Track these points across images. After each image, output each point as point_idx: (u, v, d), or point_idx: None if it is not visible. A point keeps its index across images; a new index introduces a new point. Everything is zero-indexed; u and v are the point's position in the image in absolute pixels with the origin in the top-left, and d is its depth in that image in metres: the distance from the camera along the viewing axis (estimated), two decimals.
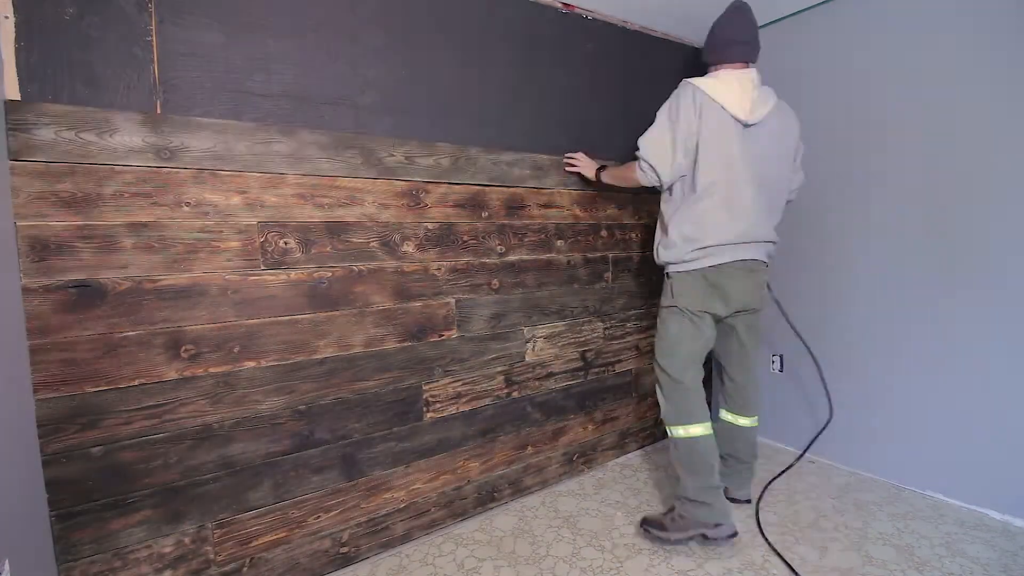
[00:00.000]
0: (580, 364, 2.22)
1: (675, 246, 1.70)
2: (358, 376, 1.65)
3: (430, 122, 1.76)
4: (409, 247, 1.72)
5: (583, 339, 2.22)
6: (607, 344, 2.31)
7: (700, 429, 1.70)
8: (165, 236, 1.33)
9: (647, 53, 2.39)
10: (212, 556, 1.44)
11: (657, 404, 2.50)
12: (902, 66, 1.97)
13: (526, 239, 2.01)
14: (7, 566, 0.94)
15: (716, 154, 1.63)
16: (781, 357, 2.45)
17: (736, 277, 1.69)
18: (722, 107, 1.61)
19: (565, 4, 2.08)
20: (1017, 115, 1.71)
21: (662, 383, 1.79)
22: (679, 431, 1.72)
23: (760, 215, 1.69)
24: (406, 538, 1.78)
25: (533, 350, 2.06)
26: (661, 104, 1.72)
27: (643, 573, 1.61)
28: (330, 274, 1.58)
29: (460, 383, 1.87)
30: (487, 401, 1.95)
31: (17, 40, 1.16)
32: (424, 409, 1.79)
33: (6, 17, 1.14)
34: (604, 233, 2.26)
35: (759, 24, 1.80)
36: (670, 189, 1.76)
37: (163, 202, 1.33)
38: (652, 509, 1.96)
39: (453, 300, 1.83)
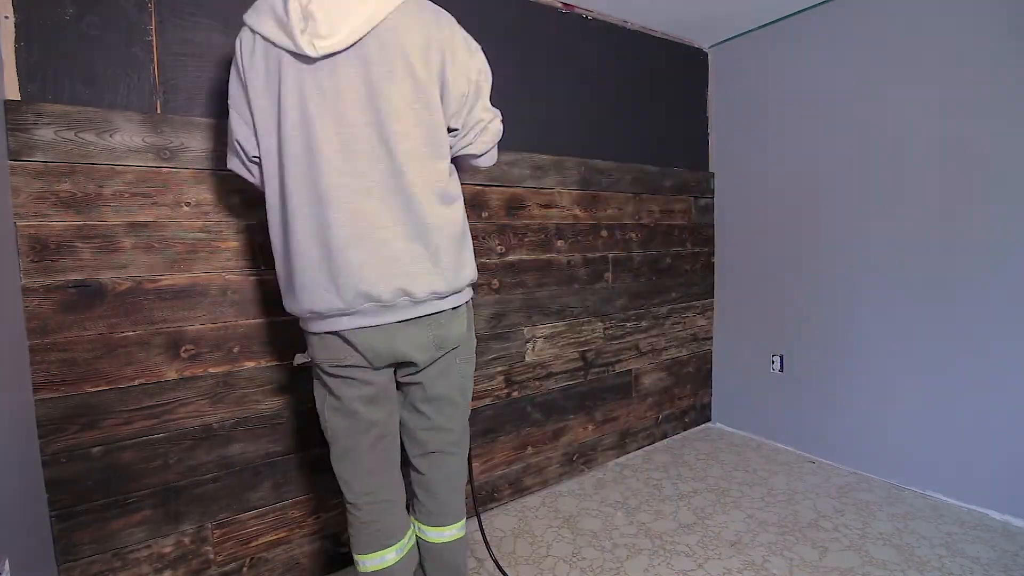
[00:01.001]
0: (580, 364, 2.22)
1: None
2: None
3: None
4: None
5: (583, 339, 2.22)
6: (607, 344, 2.31)
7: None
8: (165, 236, 1.33)
9: (647, 53, 2.39)
10: (212, 556, 1.44)
11: (657, 404, 2.50)
12: (901, 65, 1.97)
13: (526, 239, 2.01)
14: (7, 566, 0.93)
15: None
16: (781, 357, 2.45)
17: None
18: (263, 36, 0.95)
19: (565, 4, 2.08)
20: (1017, 115, 1.71)
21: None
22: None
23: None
24: None
25: (533, 350, 2.06)
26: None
27: (643, 573, 1.61)
28: None
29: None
30: (487, 401, 1.95)
31: (17, 40, 1.16)
32: None
33: (6, 17, 1.14)
34: (604, 233, 2.26)
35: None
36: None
37: (163, 202, 1.33)
38: (651, 509, 1.96)
39: None
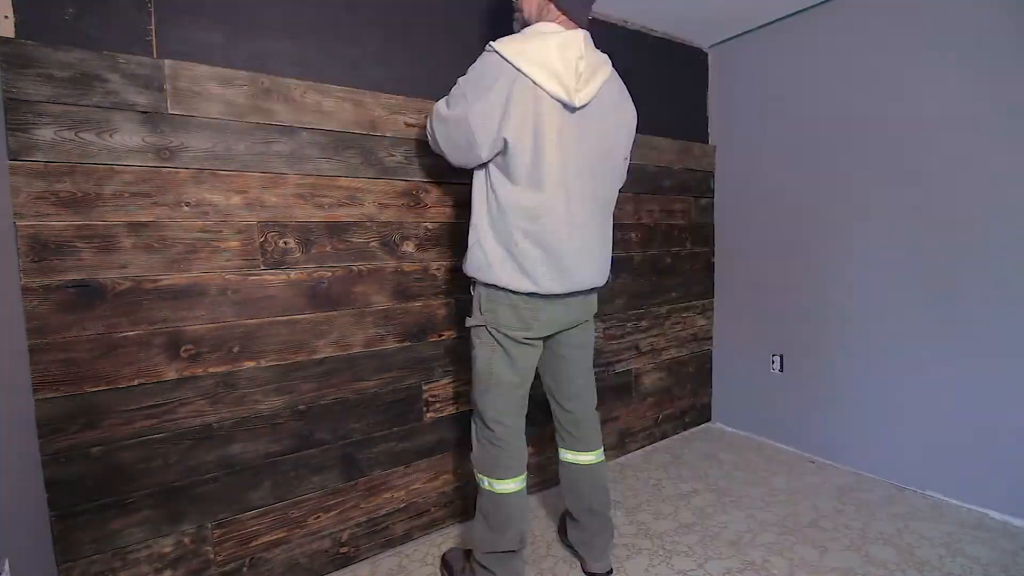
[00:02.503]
0: None
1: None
2: (358, 376, 1.65)
3: None
4: (409, 247, 1.72)
5: None
6: (607, 344, 2.31)
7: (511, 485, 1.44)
8: (165, 236, 1.33)
9: (647, 53, 2.38)
10: (212, 556, 1.44)
11: (657, 404, 2.50)
12: (901, 65, 1.97)
13: None
14: (7, 566, 0.94)
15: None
16: (781, 357, 2.45)
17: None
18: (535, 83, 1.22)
19: None
20: (1020, 115, 1.71)
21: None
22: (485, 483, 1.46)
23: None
24: (406, 538, 1.78)
25: None
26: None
27: (643, 573, 1.61)
28: (330, 274, 1.58)
29: (460, 383, 1.86)
30: None
31: (17, 39, 1.16)
32: (424, 409, 1.79)
33: (6, 17, 1.14)
34: None
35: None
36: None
37: (163, 202, 1.33)
38: (651, 509, 1.96)
39: (453, 300, 1.83)
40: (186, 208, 1.36)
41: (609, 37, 2.23)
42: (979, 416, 1.85)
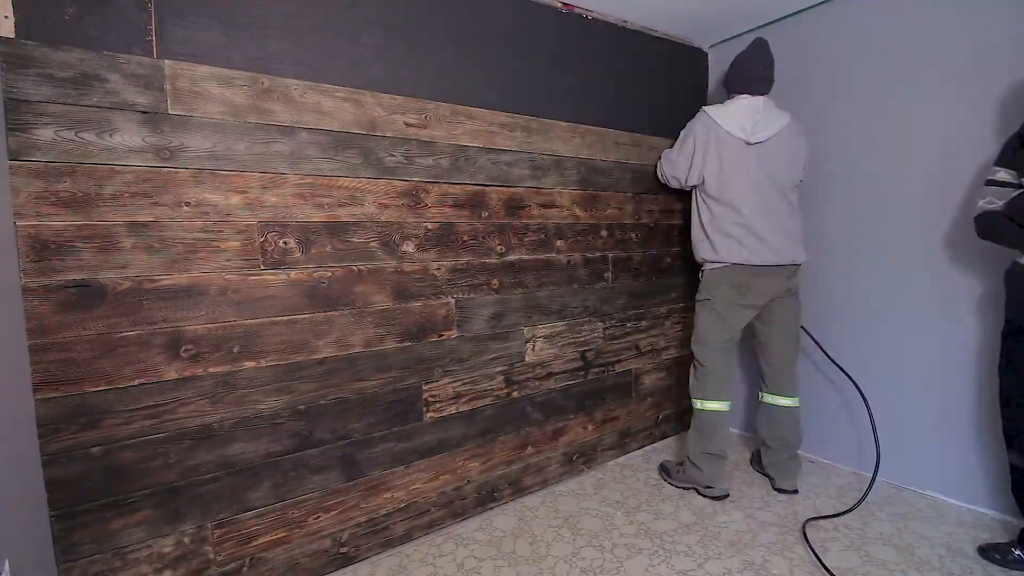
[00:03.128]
0: (580, 364, 2.22)
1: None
2: (358, 376, 1.65)
3: None
4: (409, 247, 1.72)
5: (583, 339, 2.22)
6: (607, 344, 2.31)
7: (716, 405, 2.02)
8: (165, 236, 1.33)
9: (647, 53, 2.38)
10: (212, 556, 1.44)
11: (657, 404, 2.52)
12: (902, 65, 1.97)
13: (526, 239, 2.01)
14: (7, 566, 0.94)
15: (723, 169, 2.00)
16: None
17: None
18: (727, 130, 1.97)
19: (565, 4, 2.08)
20: (1020, 114, 1.71)
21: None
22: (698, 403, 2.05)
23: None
24: (406, 538, 1.78)
25: (533, 350, 2.06)
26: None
27: (643, 573, 1.61)
28: (330, 274, 1.58)
29: (460, 383, 1.87)
30: (487, 401, 1.95)
31: (17, 39, 1.16)
32: (424, 409, 1.79)
33: (6, 17, 1.14)
34: (604, 233, 2.26)
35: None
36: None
37: (163, 202, 1.33)
38: (651, 509, 1.96)
39: (453, 300, 1.83)
40: (186, 208, 1.36)
41: (609, 37, 2.24)
42: (979, 416, 1.85)
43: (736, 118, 1.95)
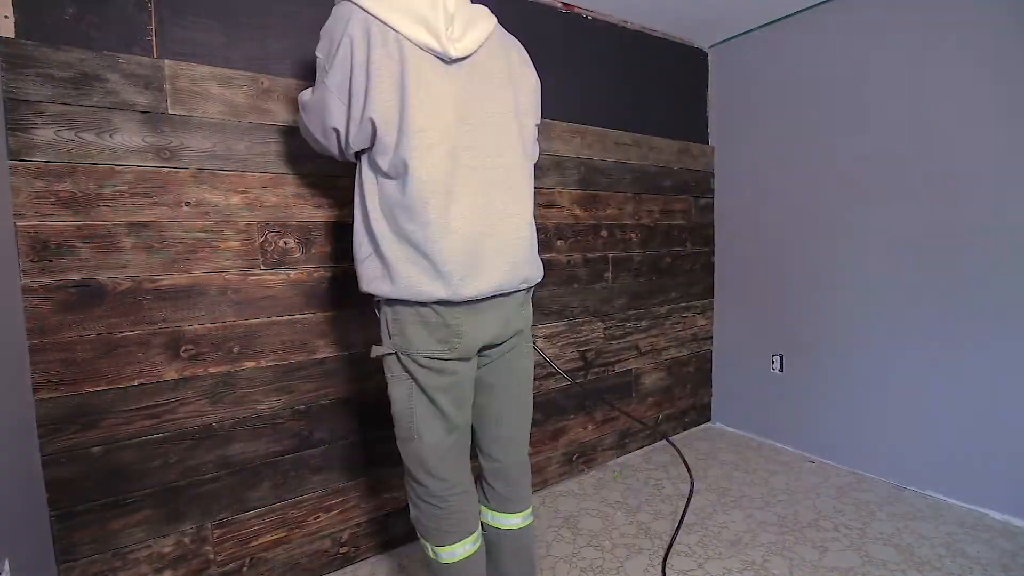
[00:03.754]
0: (580, 364, 2.22)
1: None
2: (358, 376, 1.65)
3: None
4: None
5: (583, 339, 2.22)
6: (607, 344, 2.31)
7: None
8: (165, 236, 1.33)
9: (647, 53, 2.39)
10: (212, 556, 1.44)
11: (657, 404, 2.50)
12: (902, 65, 1.97)
13: None
14: (7, 566, 0.94)
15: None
16: (781, 357, 2.45)
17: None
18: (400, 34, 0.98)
19: (565, 4, 2.08)
20: (1021, 115, 1.71)
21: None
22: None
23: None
24: (406, 538, 1.78)
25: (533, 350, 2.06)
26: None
27: (643, 573, 1.61)
28: (330, 274, 1.58)
29: None
30: None
31: (17, 39, 1.16)
32: None
33: (6, 17, 1.14)
34: (604, 233, 2.26)
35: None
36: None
37: (163, 202, 1.33)
38: (651, 509, 1.96)
39: None
40: (186, 208, 1.36)
41: (610, 37, 2.24)
42: (979, 416, 1.85)
43: (416, 10, 0.98)
